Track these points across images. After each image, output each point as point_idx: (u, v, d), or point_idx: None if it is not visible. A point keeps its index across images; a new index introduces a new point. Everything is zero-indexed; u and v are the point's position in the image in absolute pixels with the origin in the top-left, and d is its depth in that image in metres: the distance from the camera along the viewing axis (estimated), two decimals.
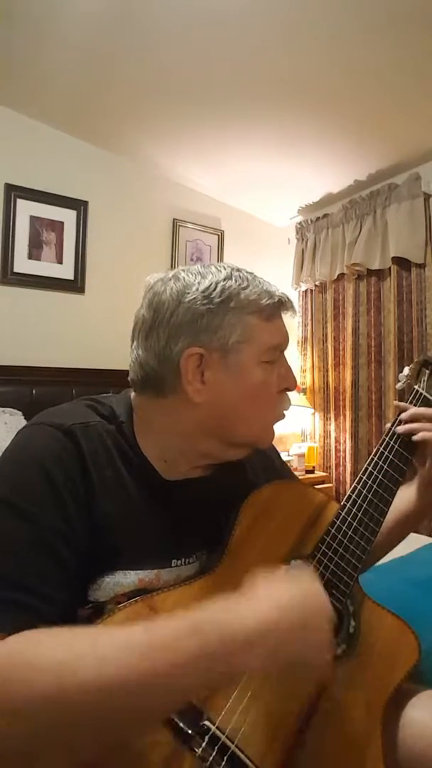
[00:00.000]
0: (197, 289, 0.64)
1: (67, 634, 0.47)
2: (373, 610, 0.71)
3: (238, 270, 0.68)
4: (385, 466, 0.76)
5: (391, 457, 0.76)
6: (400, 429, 0.78)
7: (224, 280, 0.65)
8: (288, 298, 0.69)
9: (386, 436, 0.79)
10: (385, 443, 0.78)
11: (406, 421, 0.79)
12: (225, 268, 0.67)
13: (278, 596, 0.50)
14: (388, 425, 0.80)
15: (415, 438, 0.76)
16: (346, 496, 0.74)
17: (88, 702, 0.41)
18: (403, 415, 0.79)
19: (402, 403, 0.82)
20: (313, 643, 0.49)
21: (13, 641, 0.46)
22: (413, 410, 0.79)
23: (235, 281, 0.65)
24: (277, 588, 0.51)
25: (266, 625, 0.46)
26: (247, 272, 0.68)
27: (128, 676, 0.42)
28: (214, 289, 0.64)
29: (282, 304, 0.68)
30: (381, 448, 0.77)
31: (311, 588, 0.52)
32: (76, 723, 0.42)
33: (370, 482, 0.74)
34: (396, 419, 0.80)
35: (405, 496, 0.81)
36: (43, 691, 0.41)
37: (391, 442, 0.78)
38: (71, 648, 0.44)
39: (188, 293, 0.64)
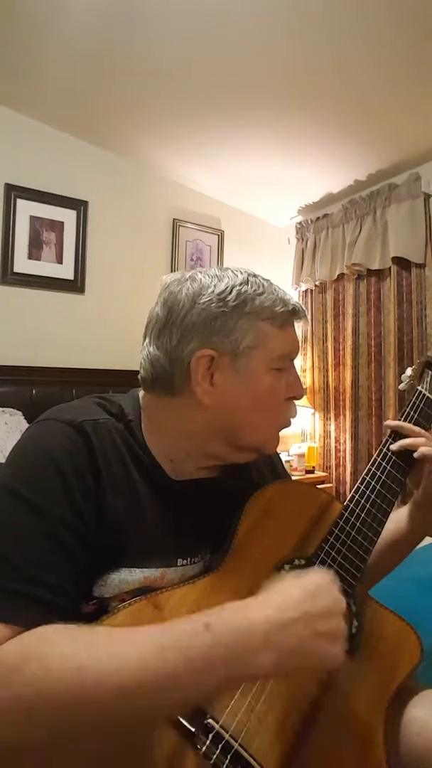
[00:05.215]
0: (213, 292, 0.64)
1: (82, 633, 0.47)
2: (375, 611, 0.71)
3: (255, 276, 0.68)
4: (388, 466, 0.76)
5: (389, 468, 0.76)
6: (394, 446, 0.77)
7: (240, 284, 0.65)
8: (302, 307, 0.70)
9: (385, 440, 0.79)
10: (381, 453, 0.78)
11: (394, 431, 0.78)
12: (242, 273, 0.67)
13: (289, 593, 0.50)
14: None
15: (416, 455, 0.75)
16: (350, 497, 0.74)
17: (105, 701, 0.42)
18: (390, 423, 0.79)
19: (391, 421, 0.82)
20: (326, 635, 0.48)
21: (27, 638, 0.46)
22: (400, 423, 0.79)
23: (251, 287, 0.66)
24: (288, 585, 0.51)
25: (278, 623, 0.46)
26: (263, 279, 0.69)
27: (144, 674, 0.42)
28: (230, 293, 0.64)
29: (295, 312, 0.69)
30: (380, 452, 0.78)
31: (322, 581, 0.51)
32: (90, 722, 0.42)
33: (373, 482, 0.75)
34: (388, 438, 0.79)
35: (396, 521, 0.80)
36: (59, 690, 0.41)
37: (387, 451, 0.78)
38: (87, 647, 0.44)
39: (204, 295, 0.64)
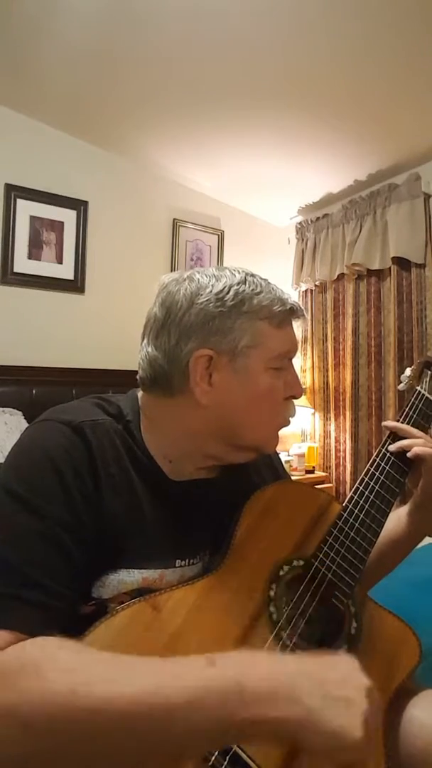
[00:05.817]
0: (211, 291, 0.64)
1: (84, 652, 0.46)
2: (374, 612, 0.71)
3: (253, 275, 0.68)
4: (387, 467, 0.76)
5: (388, 468, 0.76)
6: (392, 447, 0.77)
7: (238, 284, 0.65)
8: (300, 306, 0.70)
9: (384, 440, 0.79)
10: (380, 453, 0.78)
11: (393, 432, 0.78)
12: (239, 273, 0.67)
13: (304, 657, 0.47)
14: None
15: (409, 455, 0.75)
16: (349, 497, 0.74)
17: (98, 724, 0.40)
18: (387, 423, 0.79)
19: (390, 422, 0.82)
20: (341, 700, 0.42)
21: (28, 648, 0.46)
22: (397, 425, 0.79)
23: (249, 286, 0.66)
24: (304, 656, 0.48)
25: (286, 672, 0.43)
26: (261, 278, 0.68)
27: (140, 701, 0.40)
28: (228, 293, 0.64)
29: (293, 312, 0.69)
30: (379, 453, 0.77)
31: (346, 661, 0.47)
32: (81, 743, 0.41)
33: (372, 483, 0.75)
34: (387, 438, 0.79)
35: (395, 521, 0.80)
36: (53, 708, 0.40)
37: (385, 451, 0.78)
38: (86, 669, 0.43)
39: (202, 295, 0.64)
